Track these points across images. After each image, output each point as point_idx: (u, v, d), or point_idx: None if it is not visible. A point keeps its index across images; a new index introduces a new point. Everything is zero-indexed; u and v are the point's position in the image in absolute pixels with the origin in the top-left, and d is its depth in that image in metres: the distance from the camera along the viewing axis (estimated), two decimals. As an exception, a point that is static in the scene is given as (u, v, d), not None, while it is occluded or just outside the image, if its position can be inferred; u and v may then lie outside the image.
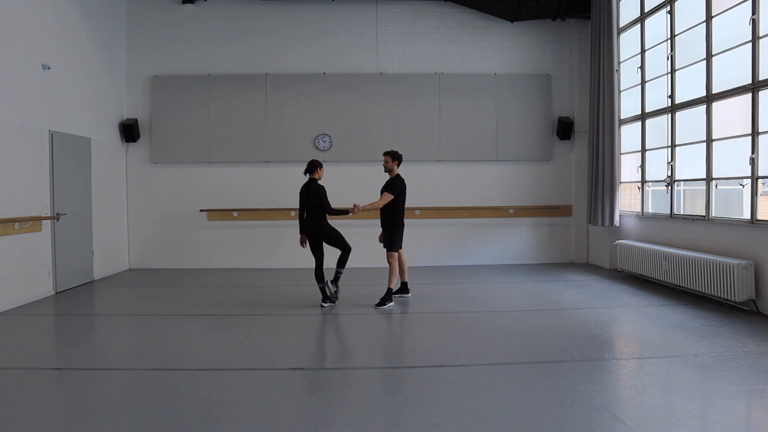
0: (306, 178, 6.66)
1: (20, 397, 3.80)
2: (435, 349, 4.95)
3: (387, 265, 6.79)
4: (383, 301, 6.58)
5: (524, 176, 10.06)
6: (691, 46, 7.24)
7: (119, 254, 9.57)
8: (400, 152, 6.90)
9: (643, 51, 8.42)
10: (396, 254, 6.73)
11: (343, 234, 6.62)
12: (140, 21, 9.77)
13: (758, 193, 6.12)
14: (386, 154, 6.80)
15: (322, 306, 6.58)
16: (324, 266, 6.63)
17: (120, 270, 9.53)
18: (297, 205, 9.58)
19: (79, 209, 8.12)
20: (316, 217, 6.50)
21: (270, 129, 9.82)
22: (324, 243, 6.59)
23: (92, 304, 7.18)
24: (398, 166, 6.80)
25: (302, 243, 6.68)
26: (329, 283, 6.55)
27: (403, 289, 7.08)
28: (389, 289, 6.65)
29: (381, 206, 6.66)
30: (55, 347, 5.35)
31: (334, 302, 6.66)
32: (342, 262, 6.58)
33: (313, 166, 6.64)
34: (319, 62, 9.88)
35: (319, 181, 6.63)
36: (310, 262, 9.52)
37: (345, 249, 6.59)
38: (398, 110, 9.89)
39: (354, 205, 6.54)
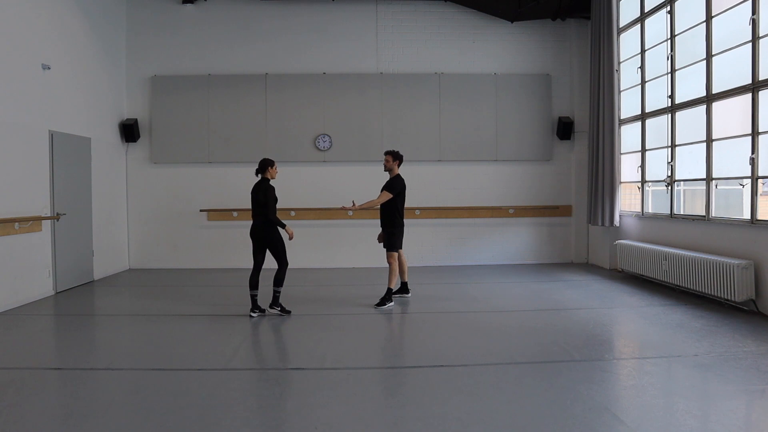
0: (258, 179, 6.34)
1: (20, 397, 3.80)
2: (435, 349, 4.95)
3: (387, 265, 6.78)
4: (383, 301, 6.58)
5: (524, 176, 10.06)
6: (691, 46, 7.24)
7: (119, 254, 9.57)
8: (401, 152, 6.89)
9: (643, 51, 8.42)
10: (396, 254, 6.73)
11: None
12: (140, 21, 9.77)
13: (758, 193, 6.12)
14: (387, 153, 6.79)
15: (251, 316, 6.16)
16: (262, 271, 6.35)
17: (120, 270, 9.53)
18: (296, 205, 9.76)
19: (79, 209, 8.12)
20: (265, 220, 6.15)
21: (270, 129, 9.82)
22: (268, 250, 6.24)
23: (92, 304, 7.18)
24: (399, 166, 6.79)
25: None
26: (269, 308, 6.21)
27: (403, 289, 7.08)
28: (389, 289, 6.65)
29: (378, 204, 6.65)
30: (55, 347, 5.35)
31: (264, 312, 6.24)
32: (279, 280, 6.18)
33: (264, 165, 6.26)
34: (319, 62, 9.88)
35: (272, 182, 6.29)
36: (307, 261, 9.64)
37: (283, 264, 6.22)
38: (398, 110, 9.89)
39: (352, 203, 6.55)
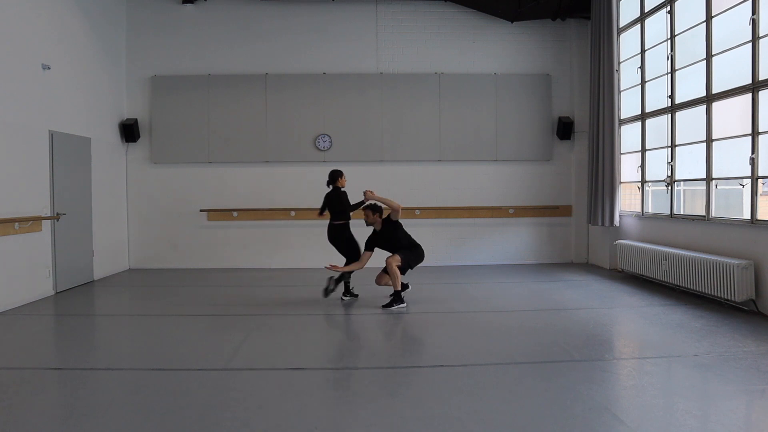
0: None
1: (20, 397, 3.80)
2: (435, 349, 4.95)
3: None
4: (391, 303, 6.49)
5: (524, 176, 10.06)
6: (691, 46, 7.24)
7: (119, 254, 9.57)
8: (379, 205, 6.63)
9: (643, 51, 8.42)
10: (400, 262, 6.46)
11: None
12: (140, 21, 9.77)
13: (758, 193, 6.12)
14: (366, 209, 6.60)
15: (342, 299, 6.89)
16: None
17: (120, 270, 9.53)
18: (296, 205, 9.79)
19: (79, 209, 8.12)
20: (338, 224, 6.77)
21: (270, 129, 9.82)
22: (338, 247, 6.87)
23: (92, 304, 7.18)
24: (381, 216, 6.62)
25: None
26: (342, 297, 6.87)
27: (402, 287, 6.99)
28: (397, 292, 6.51)
29: (396, 206, 6.45)
30: (55, 347, 5.35)
31: (357, 296, 6.96)
32: (344, 274, 6.79)
33: (335, 177, 6.83)
34: (319, 62, 9.88)
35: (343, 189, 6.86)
36: (310, 262, 9.64)
37: (351, 259, 6.77)
38: (398, 110, 9.89)
39: (365, 192, 6.60)
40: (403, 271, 6.54)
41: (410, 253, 6.61)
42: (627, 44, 9.01)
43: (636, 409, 3.56)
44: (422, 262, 6.78)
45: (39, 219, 7.06)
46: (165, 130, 9.78)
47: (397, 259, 6.46)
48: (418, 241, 6.78)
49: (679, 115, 7.57)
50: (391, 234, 6.60)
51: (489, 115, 9.96)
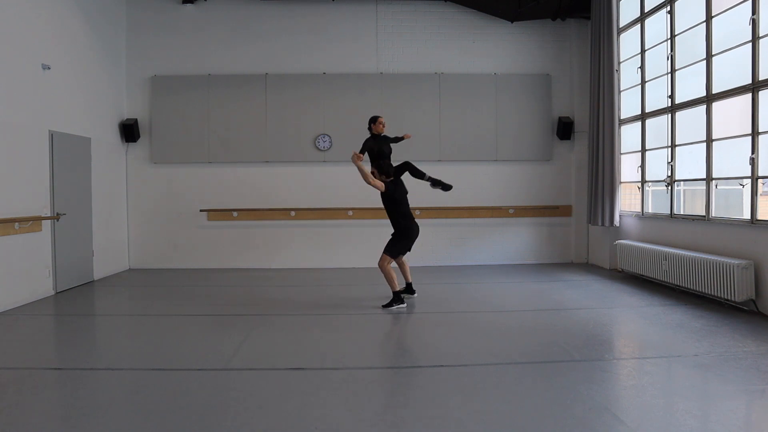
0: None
1: (20, 397, 3.80)
2: (435, 349, 4.95)
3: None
4: (391, 303, 6.50)
5: (524, 176, 10.06)
6: (691, 46, 7.24)
7: (119, 254, 9.57)
8: (385, 168, 6.67)
9: (643, 51, 8.42)
10: (388, 258, 6.51)
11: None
12: (140, 21, 9.77)
13: (758, 193, 6.12)
14: (373, 167, 6.65)
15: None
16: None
17: (120, 270, 9.53)
18: (296, 205, 9.79)
19: (79, 209, 8.12)
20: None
21: (270, 129, 9.82)
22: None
23: (92, 304, 7.18)
24: (388, 177, 6.62)
25: None
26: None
27: (408, 289, 7.01)
28: (396, 292, 6.53)
29: (370, 180, 6.46)
30: (55, 347, 5.35)
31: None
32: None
33: (369, 123, 6.87)
34: (319, 62, 9.88)
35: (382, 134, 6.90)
36: (310, 262, 9.67)
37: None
38: (398, 110, 9.87)
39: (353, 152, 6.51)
40: (397, 257, 6.64)
41: (398, 243, 6.59)
42: (627, 44, 9.01)
43: (636, 409, 3.56)
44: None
45: (39, 219, 7.06)
46: (165, 130, 9.78)
47: (386, 259, 6.50)
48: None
49: (679, 115, 7.57)
50: (389, 203, 6.63)
51: (489, 115, 9.96)
